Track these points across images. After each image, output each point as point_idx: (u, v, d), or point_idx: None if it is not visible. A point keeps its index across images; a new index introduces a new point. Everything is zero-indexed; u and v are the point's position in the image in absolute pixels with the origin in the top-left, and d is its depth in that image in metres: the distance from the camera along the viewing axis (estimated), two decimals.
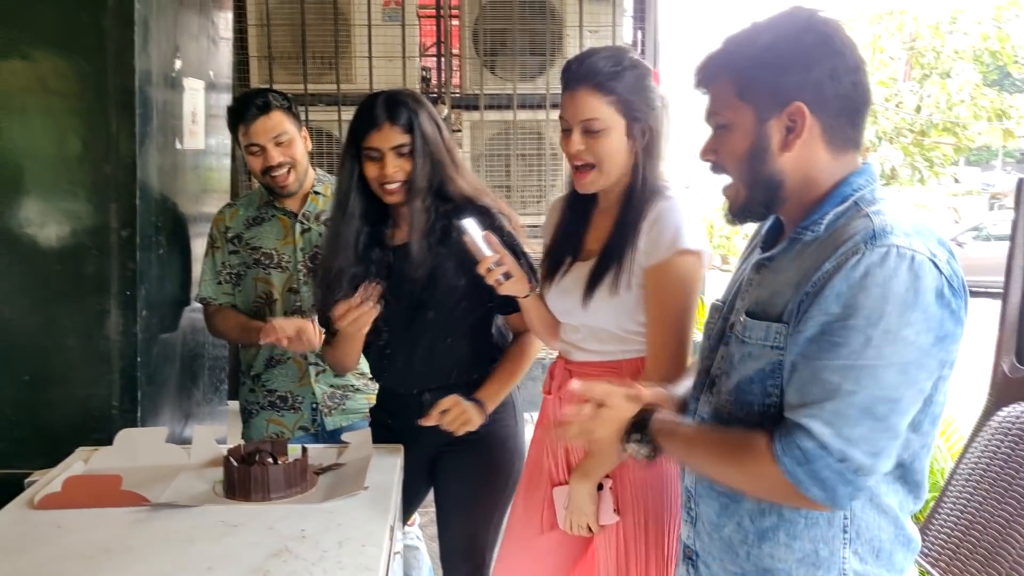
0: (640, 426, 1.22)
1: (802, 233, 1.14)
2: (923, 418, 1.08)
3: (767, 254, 1.20)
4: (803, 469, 1.02)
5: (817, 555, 1.12)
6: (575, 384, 1.27)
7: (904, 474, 1.11)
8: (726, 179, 1.22)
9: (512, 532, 1.77)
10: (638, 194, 1.56)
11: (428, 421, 1.70)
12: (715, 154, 1.19)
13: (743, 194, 1.18)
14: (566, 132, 1.56)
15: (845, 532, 1.12)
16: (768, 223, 1.28)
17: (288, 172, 2.10)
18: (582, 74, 1.53)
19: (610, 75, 1.53)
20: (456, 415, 1.72)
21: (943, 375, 1.06)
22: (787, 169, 1.14)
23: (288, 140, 2.10)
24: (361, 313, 1.65)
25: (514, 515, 1.79)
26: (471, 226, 1.62)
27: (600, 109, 1.52)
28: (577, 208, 1.70)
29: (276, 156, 2.08)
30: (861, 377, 1.00)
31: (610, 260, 1.56)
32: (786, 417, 1.06)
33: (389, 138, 1.71)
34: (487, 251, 1.61)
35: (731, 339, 1.22)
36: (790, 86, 1.10)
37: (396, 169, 1.71)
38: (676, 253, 1.51)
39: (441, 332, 1.81)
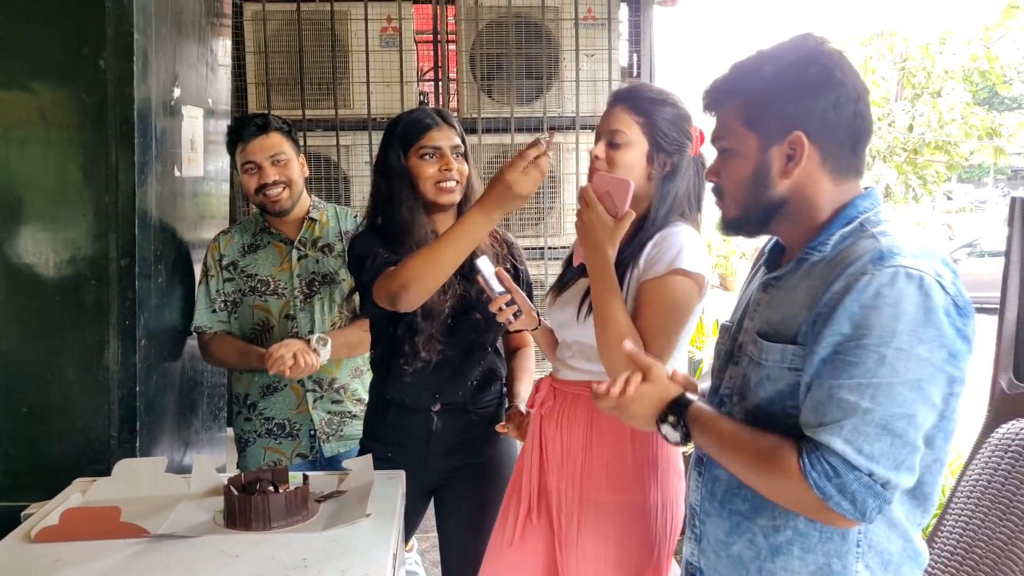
0: (677, 410, 1.22)
1: (809, 253, 1.17)
2: (936, 434, 1.10)
3: (774, 274, 1.22)
4: (832, 483, 1.04)
5: (830, 568, 1.14)
6: (627, 344, 1.29)
7: (914, 489, 1.13)
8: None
9: (489, 544, 1.79)
10: (649, 222, 1.61)
11: (507, 430, 1.81)
12: (718, 176, 1.24)
13: (736, 213, 1.23)
14: (597, 143, 1.64)
15: (858, 546, 1.14)
16: (770, 244, 1.31)
17: (282, 190, 2.12)
18: (623, 95, 1.63)
19: (647, 100, 1.61)
20: (525, 422, 1.82)
21: (954, 392, 1.08)
22: (787, 192, 1.17)
23: (285, 161, 2.13)
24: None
25: (496, 524, 1.81)
26: (484, 265, 1.71)
27: (627, 123, 1.60)
28: None
29: (271, 174, 2.10)
30: (877, 395, 1.03)
31: None
32: (807, 436, 1.07)
33: (449, 136, 1.81)
34: (498, 291, 1.71)
35: (741, 360, 1.24)
36: (793, 115, 1.13)
37: (456, 166, 1.80)
38: (672, 271, 1.54)
39: (480, 346, 1.88)
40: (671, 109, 1.61)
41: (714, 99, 1.22)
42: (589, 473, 1.62)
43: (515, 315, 1.73)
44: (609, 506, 1.60)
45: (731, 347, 1.28)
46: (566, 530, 1.65)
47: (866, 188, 1.19)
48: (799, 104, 1.13)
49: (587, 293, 1.60)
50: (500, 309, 1.72)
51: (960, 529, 1.86)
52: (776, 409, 1.15)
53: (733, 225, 1.24)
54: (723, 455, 1.19)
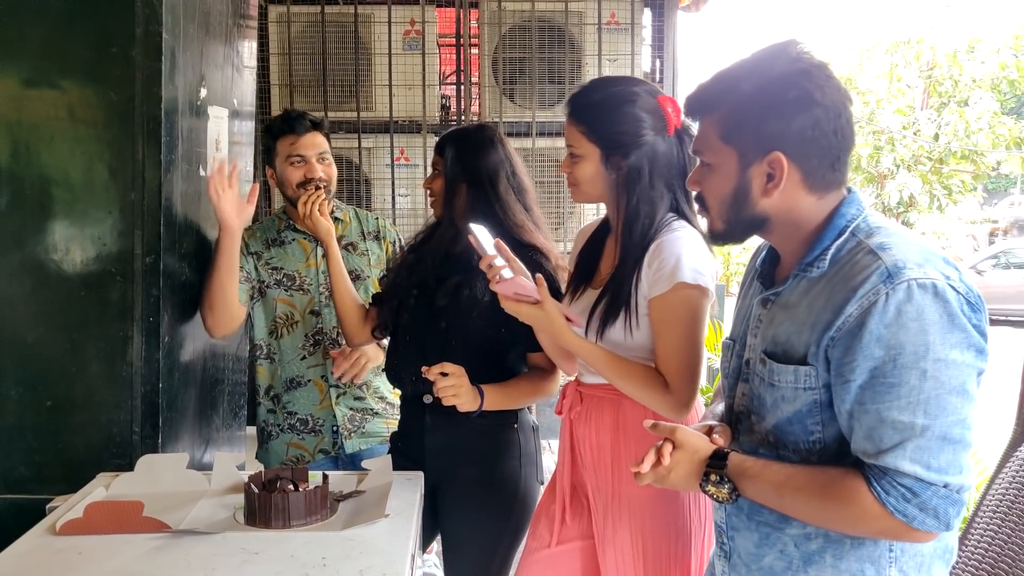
0: (717, 466, 1.19)
1: (807, 270, 1.16)
2: None
3: (772, 290, 1.21)
4: (912, 504, 1.04)
5: (863, 574, 1.13)
6: (646, 423, 1.27)
7: None
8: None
9: (526, 546, 1.79)
10: (631, 225, 1.58)
11: (427, 372, 1.72)
12: (700, 186, 1.23)
13: (719, 226, 1.22)
14: None
15: (891, 551, 1.13)
16: (762, 254, 1.30)
17: (320, 189, 2.14)
18: (568, 105, 1.62)
19: (584, 106, 1.59)
20: (452, 383, 1.71)
21: (978, 382, 1.09)
22: (769, 210, 1.17)
23: (329, 161, 2.20)
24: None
25: (530, 529, 1.81)
26: (478, 230, 1.64)
27: (574, 136, 1.60)
28: (597, 234, 1.75)
29: (317, 170, 2.15)
30: (929, 409, 1.03)
31: (615, 295, 1.58)
32: (870, 464, 1.06)
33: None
34: (490, 251, 1.61)
35: (751, 377, 1.22)
36: (771, 135, 1.12)
37: (429, 180, 1.93)
38: (676, 286, 1.52)
39: (451, 335, 1.85)
40: (613, 103, 1.55)
41: (695, 107, 1.21)
42: (620, 469, 1.62)
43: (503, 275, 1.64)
44: (641, 499, 1.61)
45: (738, 364, 1.27)
46: (602, 525, 1.66)
47: (848, 191, 1.18)
48: (777, 125, 1.11)
49: (592, 310, 1.61)
50: (490, 266, 1.60)
51: (985, 545, 1.82)
52: (796, 428, 1.15)
53: (719, 236, 1.24)
54: (783, 503, 1.15)
